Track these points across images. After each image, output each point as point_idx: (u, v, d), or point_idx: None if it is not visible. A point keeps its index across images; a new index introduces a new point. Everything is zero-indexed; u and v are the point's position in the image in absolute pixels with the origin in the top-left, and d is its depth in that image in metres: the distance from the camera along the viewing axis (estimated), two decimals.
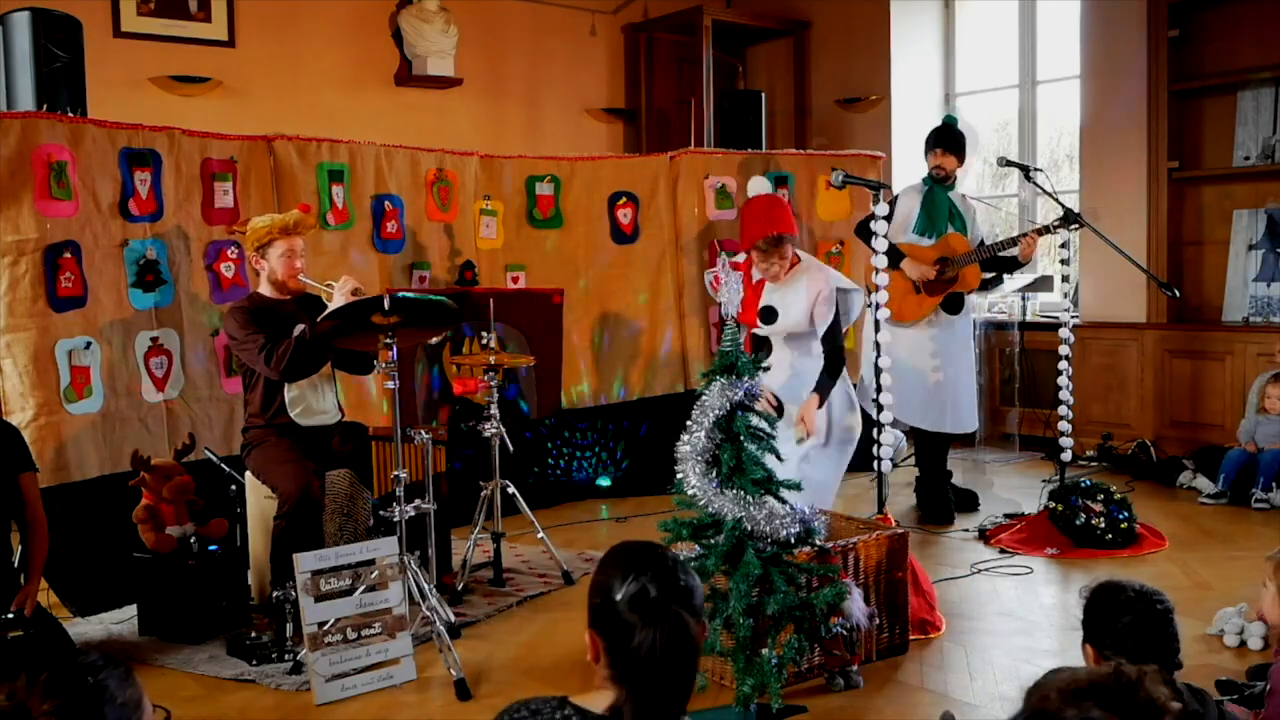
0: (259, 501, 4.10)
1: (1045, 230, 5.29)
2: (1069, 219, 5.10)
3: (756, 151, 6.91)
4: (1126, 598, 2.27)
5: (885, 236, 4.70)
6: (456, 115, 7.57)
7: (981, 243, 5.56)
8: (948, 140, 5.49)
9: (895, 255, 5.39)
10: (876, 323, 4.67)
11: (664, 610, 1.64)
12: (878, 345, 4.66)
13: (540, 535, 4.66)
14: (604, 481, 6.23)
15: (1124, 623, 2.24)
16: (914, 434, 5.69)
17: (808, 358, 4.42)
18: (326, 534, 4.07)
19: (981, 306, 7.39)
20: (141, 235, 4.60)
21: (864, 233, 5.45)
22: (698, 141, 7.79)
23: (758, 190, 4.45)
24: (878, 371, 4.64)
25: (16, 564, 3.67)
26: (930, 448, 5.66)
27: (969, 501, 5.68)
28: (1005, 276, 5.90)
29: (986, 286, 5.84)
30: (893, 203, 5.51)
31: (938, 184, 5.50)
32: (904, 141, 8.02)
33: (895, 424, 4.67)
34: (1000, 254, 5.41)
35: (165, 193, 4.68)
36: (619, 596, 1.65)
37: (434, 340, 4.97)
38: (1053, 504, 5.03)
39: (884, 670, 3.59)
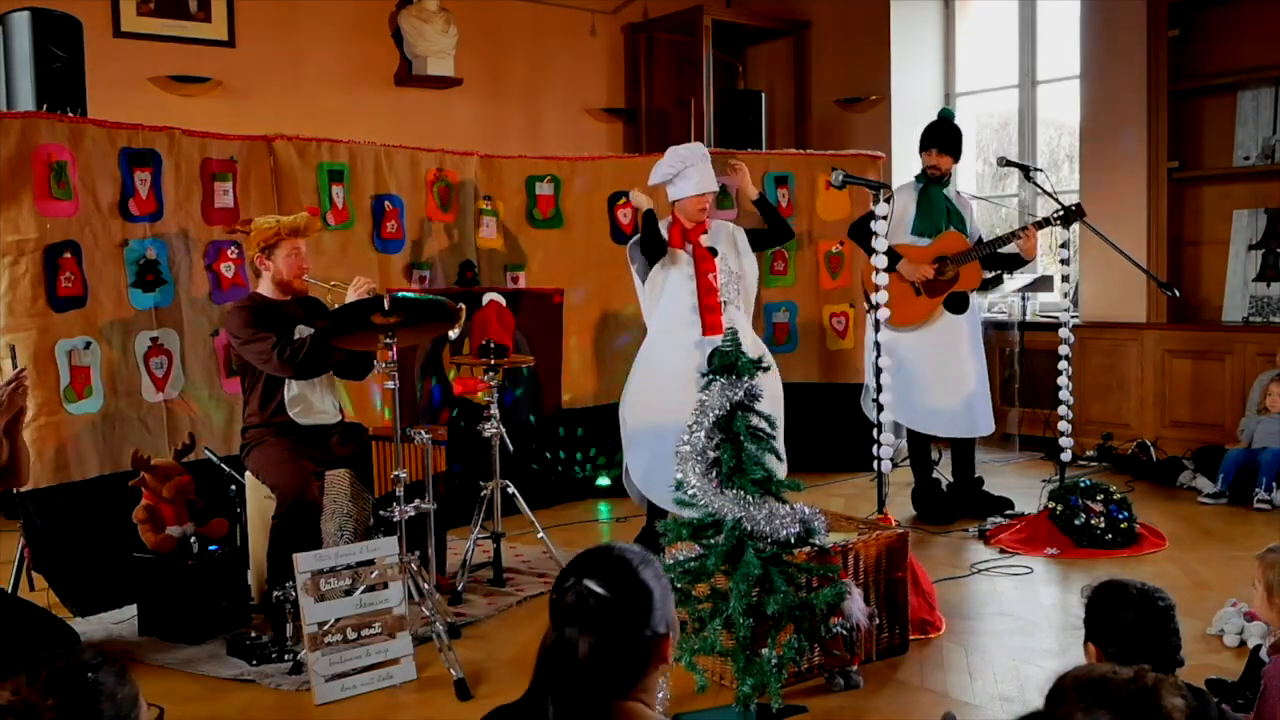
0: (259, 501, 4.10)
1: (1044, 223, 5.26)
2: (1069, 216, 5.09)
3: (756, 151, 6.91)
4: (1129, 595, 2.28)
5: (885, 236, 4.70)
6: (456, 115, 7.57)
7: (980, 239, 5.51)
8: (941, 140, 5.41)
9: (892, 257, 5.35)
10: (876, 323, 4.67)
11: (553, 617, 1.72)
12: (878, 345, 4.66)
13: (540, 535, 4.65)
14: (603, 481, 6.22)
15: (1126, 620, 2.24)
16: (915, 437, 5.59)
17: None
18: (326, 534, 4.07)
19: (982, 306, 7.38)
20: (141, 235, 4.59)
21: (858, 234, 5.40)
22: (697, 141, 7.77)
23: None
24: (878, 372, 4.64)
25: None
26: (956, 453, 5.61)
27: (1005, 507, 5.51)
28: (1006, 275, 5.85)
29: (987, 286, 5.79)
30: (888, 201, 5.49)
31: (932, 182, 5.45)
32: (904, 141, 8.00)
33: (898, 430, 4.64)
34: (1000, 250, 5.36)
35: (165, 193, 4.67)
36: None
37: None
38: (1052, 504, 5.03)
39: (884, 670, 3.58)
